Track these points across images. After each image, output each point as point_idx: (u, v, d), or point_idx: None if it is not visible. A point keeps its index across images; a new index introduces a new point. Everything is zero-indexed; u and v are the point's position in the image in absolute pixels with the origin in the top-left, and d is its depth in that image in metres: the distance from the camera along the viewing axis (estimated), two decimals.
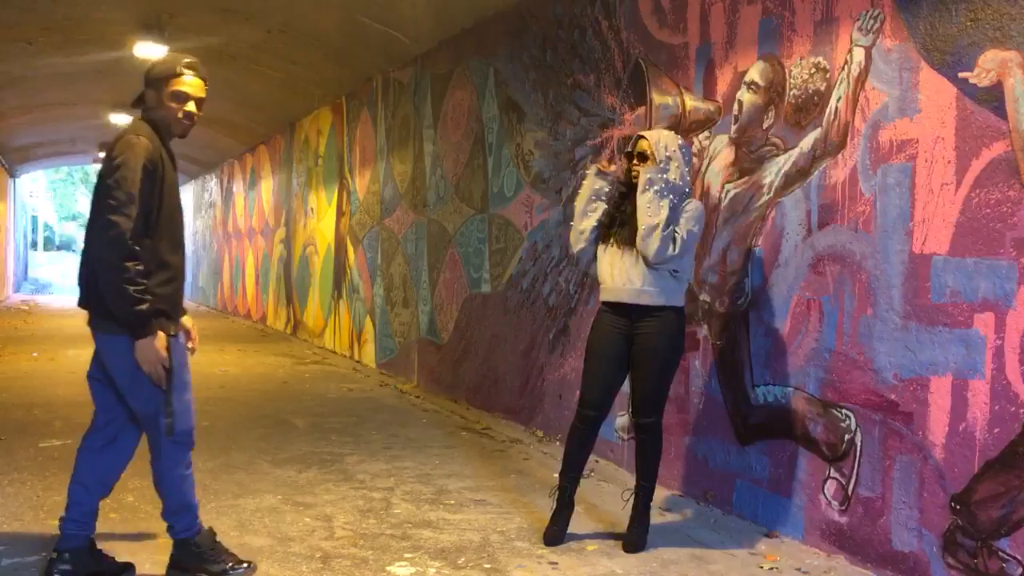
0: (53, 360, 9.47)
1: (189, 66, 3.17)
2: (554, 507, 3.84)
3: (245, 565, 3.29)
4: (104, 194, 3.04)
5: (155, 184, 3.09)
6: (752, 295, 4.11)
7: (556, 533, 3.76)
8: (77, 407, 6.65)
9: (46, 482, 4.50)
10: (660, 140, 3.65)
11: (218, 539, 3.35)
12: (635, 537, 3.73)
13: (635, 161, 3.69)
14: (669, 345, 3.71)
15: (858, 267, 3.55)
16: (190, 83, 3.17)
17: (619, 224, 3.78)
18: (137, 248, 3.00)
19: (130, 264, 2.97)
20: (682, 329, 3.77)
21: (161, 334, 3.07)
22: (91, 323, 3.20)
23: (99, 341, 3.19)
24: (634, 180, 3.70)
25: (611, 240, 3.77)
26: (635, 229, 3.65)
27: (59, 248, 55.56)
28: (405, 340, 8.51)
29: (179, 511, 3.27)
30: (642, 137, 3.70)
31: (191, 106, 3.19)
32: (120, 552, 3.49)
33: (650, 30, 4.88)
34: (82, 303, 3.21)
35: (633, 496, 3.83)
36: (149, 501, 4.22)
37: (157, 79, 3.17)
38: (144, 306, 3.00)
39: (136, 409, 3.18)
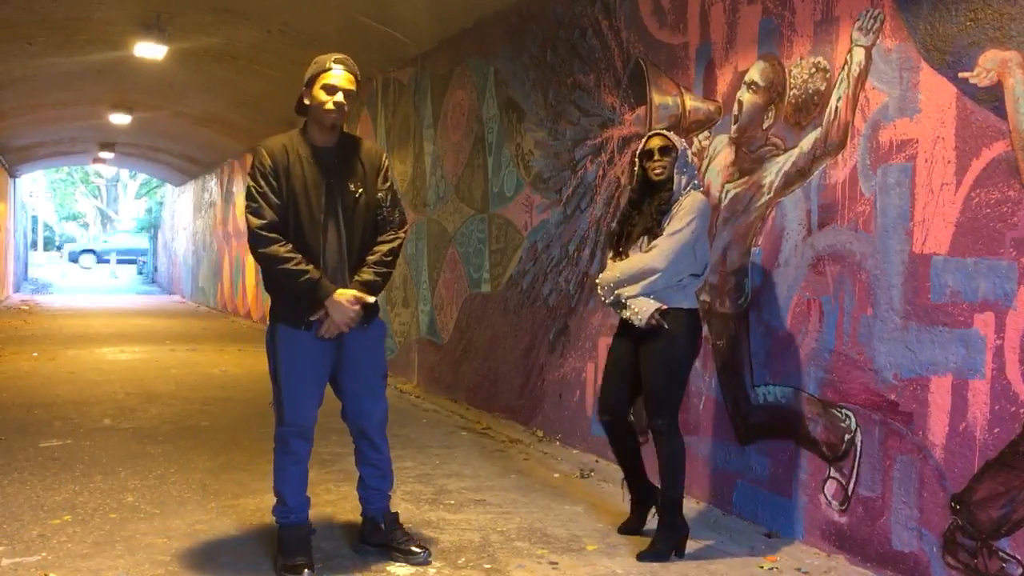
0: (53, 360, 9.47)
1: (338, 61, 3.35)
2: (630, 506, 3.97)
3: (305, 572, 3.28)
4: None
5: (279, 184, 3.29)
6: (752, 295, 4.11)
7: (629, 524, 3.89)
8: (77, 407, 6.66)
9: (46, 482, 4.50)
10: (676, 138, 3.69)
11: (300, 539, 3.40)
12: (656, 546, 3.61)
13: (656, 157, 3.62)
14: (671, 345, 3.61)
15: (858, 267, 3.55)
16: (339, 76, 3.33)
17: (625, 237, 3.74)
18: (273, 235, 3.24)
19: (272, 250, 3.23)
20: (691, 330, 3.66)
21: (346, 293, 3.30)
22: None
23: None
24: (656, 177, 3.63)
25: (619, 253, 3.76)
26: (637, 237, 3.67)
27: (59, 248, 55.54)
28: (405, 340, 8.51)
29: (276, 495, 3.45)
30: (655, 135, 3.68)
31: (339, 96, 3.33)
32: (121, 552, 3.49)
33: (650, 30, 4.88)
34: None
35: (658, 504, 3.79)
36: (150, 501, 4.23)
37: (311, 77, 3.35)
38: (306, 277, 3.23)
39: None
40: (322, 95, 3.31)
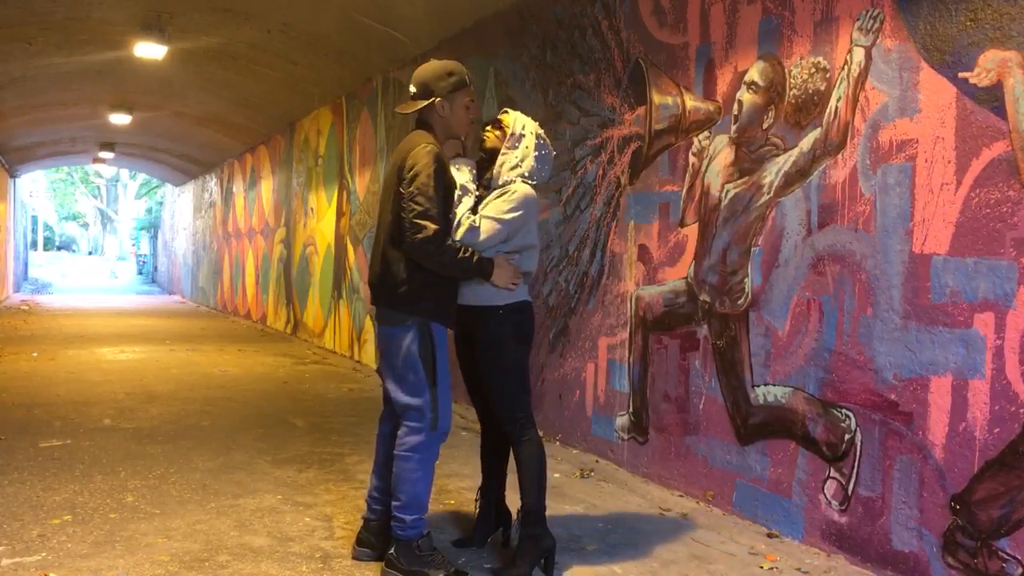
0: (53, 360, 9.47)
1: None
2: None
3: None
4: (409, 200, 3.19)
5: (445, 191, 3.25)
6: (752, 295, 4.11)
7: (466, 540, 3.68)
8: (77, 407, 6.65)
9: (46, 482, 4.50)
10: (518, 119, 3.49)
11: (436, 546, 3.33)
12: (516, 561, 3.30)
13: (489, 127, 3.52)
14: (491, 346, 3.36)
15: (858, 267, 3.55)
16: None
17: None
18: (449, 241, 3.19)
19: (453, 255, 3.19)
20: (514, 327, 3.39)
21: (504, 263, 3.32)
22: (376, 318, 3.41)
23: (380, 335, 3.37)
24: (485, 146, 3.51)
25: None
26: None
27: (59, 248, 55.56)
28: None
29: (418, 507, 3.28)
30: (507, 112, 3.55)
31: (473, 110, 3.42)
32: (121, 552, 3.50)
33: (650, 30, 4.88)
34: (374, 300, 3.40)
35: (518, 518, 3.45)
36: (150, 501, 4.23)
37: (458, 86, 3.32)
38: (472, 262, 3.22)
39: (398, 400, 3.32)
40: (467, 113, 3.36)
